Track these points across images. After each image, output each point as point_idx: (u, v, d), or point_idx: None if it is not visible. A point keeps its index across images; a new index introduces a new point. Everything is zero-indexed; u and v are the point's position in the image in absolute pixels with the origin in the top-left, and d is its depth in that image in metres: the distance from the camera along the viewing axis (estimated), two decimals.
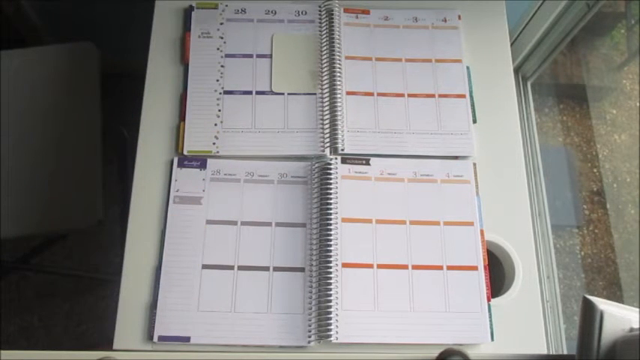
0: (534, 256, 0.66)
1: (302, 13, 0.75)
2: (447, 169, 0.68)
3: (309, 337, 0.60)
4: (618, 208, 1.28)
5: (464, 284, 0.63)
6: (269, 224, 0.65)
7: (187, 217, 0.65)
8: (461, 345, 0.61)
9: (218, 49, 0.73)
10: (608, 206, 1.29)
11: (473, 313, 0.62)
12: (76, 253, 1.32)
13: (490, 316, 0.62)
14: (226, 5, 0.75)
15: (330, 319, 0.60)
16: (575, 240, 1.27)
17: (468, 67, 0.74)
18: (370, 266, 0.63)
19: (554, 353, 0.83)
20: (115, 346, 0.59)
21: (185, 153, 0.67)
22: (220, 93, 0.70)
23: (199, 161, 0.67)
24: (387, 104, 0.71)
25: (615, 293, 1.18)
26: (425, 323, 0.61)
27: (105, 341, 0.60)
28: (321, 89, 0.71)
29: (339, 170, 0.67)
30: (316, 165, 0.67)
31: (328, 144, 0.68)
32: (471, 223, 0.66)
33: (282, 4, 0.75)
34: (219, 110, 0.70)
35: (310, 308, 0.61)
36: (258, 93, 0.71)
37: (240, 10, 0.75)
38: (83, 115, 0.96)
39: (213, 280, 0.62)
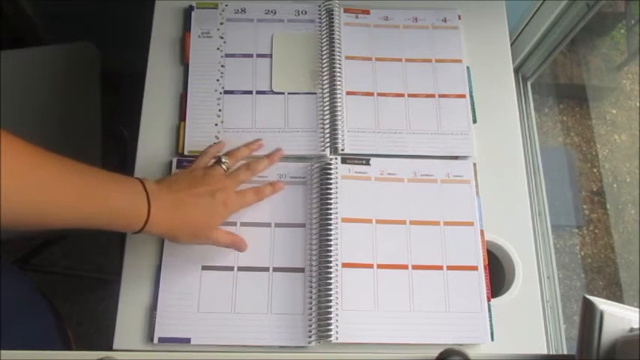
0: (534, 256, 0.66)
1: (302, 12, 0.75)
2: (447, 169, 0.68)
3: (309, 337, 0.60)
4: (618, 208, 1.28)
5: (464, 284, 0.63)
6: (268, 225, 0.65)
7: None
8: (461, 345, 0.61)
9: (218, 48, 0.73)
10: (608, 206, 1.29)
11: (473, 313, 0.62)
12: (75, 253, 1.32)
13: (490, 316, 0.62)
14: (226, 5, 0.75)
15: (330, 319, 0.60)
16: (575, 240, 1.27)
17: (468, 67, 0.74)
18: (370, 266, 0.63)
19: (554, 353, 0.83)
20: (114, 347, 0.59)
21: (185, 153, 0.67)
22: (220, 93, 0.70)
23: None
24: (387, 104, 0.71)
25: (615, 293, 1.18)
26: (425, 323, 0.61)
27: (104, 341, 0.60)
28: (322, 89, 0.71)
29: (339, 170, 0.67)
30: (316, 165, 0.67)
31: (328, 144, 0.68)
32: (471, 223, 0.66)
33: (282, 4, 0.75)
34: (220, 110, 0.70)
35: (310, 308, 0.61)
36: (258, 93, 0.71)
37: (240, 10, 0.75)
38: (83, 115, 0.96)
39: (213, 282, 0.62)
